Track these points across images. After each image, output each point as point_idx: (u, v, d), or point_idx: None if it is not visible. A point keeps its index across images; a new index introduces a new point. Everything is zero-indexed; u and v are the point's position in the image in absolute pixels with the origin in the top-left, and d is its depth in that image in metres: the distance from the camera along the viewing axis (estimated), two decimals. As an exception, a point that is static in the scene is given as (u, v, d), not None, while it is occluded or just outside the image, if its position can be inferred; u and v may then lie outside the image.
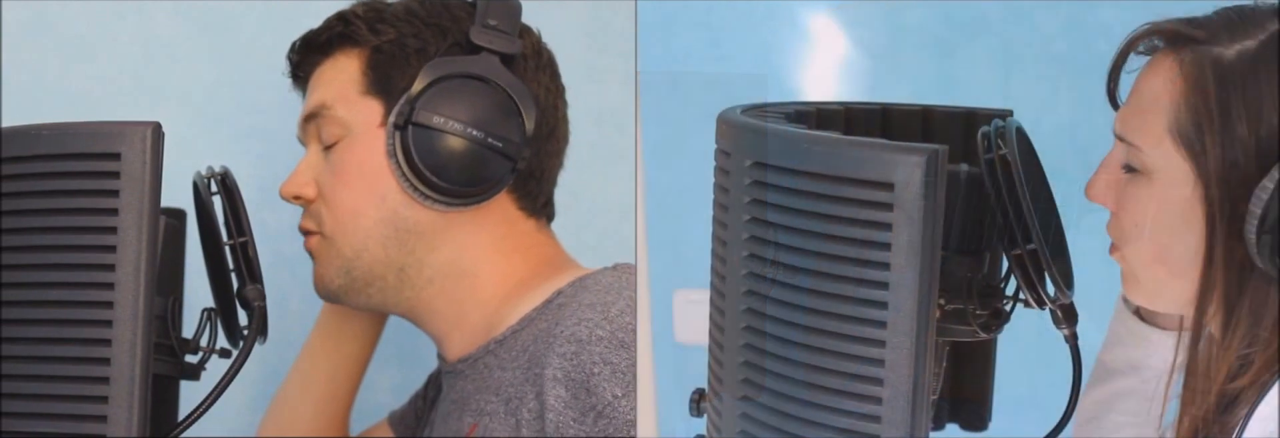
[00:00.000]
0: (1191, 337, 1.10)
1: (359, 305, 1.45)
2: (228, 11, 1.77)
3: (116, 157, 1.11)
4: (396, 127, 1.36)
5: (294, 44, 1.46)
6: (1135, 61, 1.13)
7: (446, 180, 1.36)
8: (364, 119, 1.40)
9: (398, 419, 1.63)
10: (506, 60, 1.39)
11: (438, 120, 1.35)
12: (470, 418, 1.37)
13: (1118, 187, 1.11)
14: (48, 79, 1.74)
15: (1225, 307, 1.06)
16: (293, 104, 1.69)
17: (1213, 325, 1.08)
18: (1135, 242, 1.10)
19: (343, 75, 1.42)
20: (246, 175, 1.35)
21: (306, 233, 1.44)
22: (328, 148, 1.42)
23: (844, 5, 1.89)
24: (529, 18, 1.47)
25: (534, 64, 1.43)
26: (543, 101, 1.42)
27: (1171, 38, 1.08)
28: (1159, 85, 1.07)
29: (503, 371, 1.35)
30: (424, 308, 1.43)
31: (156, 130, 1.12)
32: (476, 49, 1.39)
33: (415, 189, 1.37)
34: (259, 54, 1.78)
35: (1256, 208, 1.01)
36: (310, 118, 1.43)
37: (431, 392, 1.59)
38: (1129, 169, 1.10)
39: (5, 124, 1.17)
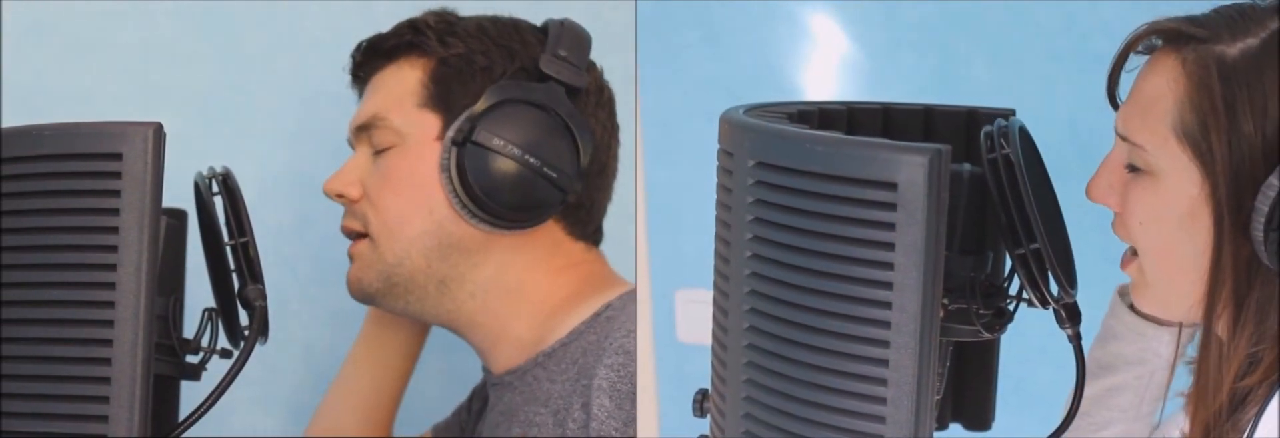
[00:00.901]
0: (1202, 337, 1.10)
1: (395, 311, 1.46)
2: (228, 11, 1.77)
3: (118, 157, 1.11)
4: (454, 143, 1.37)
5: (360, 45, 1.47)
6: (1134, 61, 1.13)
7: (496, 202, 1.37)
8: (420, 131, 1.40)
9: (442, 430, 1.63)
10: (571, 92, 1.40)
11: (497, 142, 1.36)
12: (519, 429, 1.38)
13: (1120, 186, 1.11)
14: (48, 79, 1.74)
15: (1233, 305, 1.06)
16: (293, 105, 1.70)
17: (1220, 324, 1.08)
18: (1142, 241, 1.10)
19: (402, 85, 1.42)
20: (248, 175, 1.35)
21: (352, 234, 1.45)
22: (378, 152, 1.42)
23: (844, 4, 1.89)
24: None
25: (595, 100, 1.44)
26: (598, 138, 1.43)
27: (1172, 36, 1.07)
28: (1162, 84, 1.07)
29: (551, 383, 1.36)
30: (465, 321, 1.44)
31: (158, 130, 1.12)
32: (543, 77, 1.40)
33: (464, 206, 1.38)
34: (259, 54, 1.78)
35: (1263, 205, 1.01)
36: (363, 127, 1.43)
37: (476, 404, 1.59)
38: (1132, 169, 1.10)
39: (5, 124, 1.16)
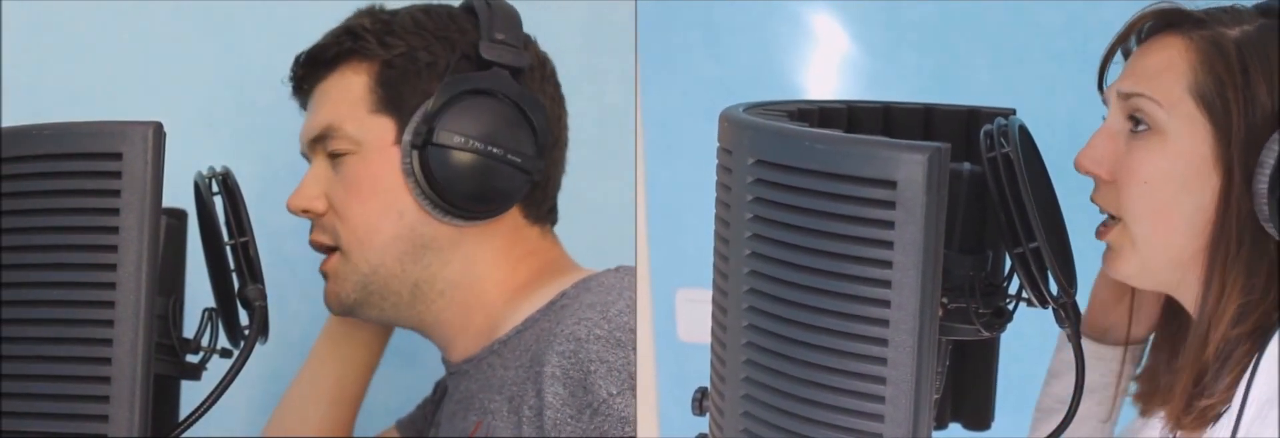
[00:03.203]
0: (1202, 288, 1.13)
1: (370, 318, 1.46)
2: (227, 11, 1.77)
3: (118, 156, 1.11)
4: (414, 146, 1.36)
5: (298, 58, 1.46)
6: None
7: (465, 197, 1.37)
8: (376, 137, 1.40)
9: (407, 425, 1.63)
10: (515, 73, 1.40)
11: (458, 139, 1.36)
12: (475, 416, 1.37)
13: (1111, 156, 1.15)
14: (48, 79, 1.74)
15: (1225, 258, 1.10)
16: (292, 104, 1.69)
17: (1214, 276, 1.12)
18: (1140, 202, 1.13)
19: (350, 93, 1.41)
20: (247, 175, 1.35)
21: (321, 248, 1.44)
22: (335, 161, 1.41)
23: (845, 4, 1.89)
24: (528, 17, 1.47)
25: (539, 75, 1.44)
26: (549, 112, 1.42)
27: (1177, 18, 1.14)
28: (1172, 55, 1.12)
29: (505, 370, 1.35)
30: (433, 320, 1.44)
31: (158, 130, 1.12)
32: (486, 63, 1.39)
33: (435, 206, 1.38)
34: (259, 54, 1.78)
35: (1268, 158, 1.06)
36: (318, 139, 1.42)
37: (438, 395, 1.59)
38: (1135, 126, 1.14)
39: (5, 124, 1.16)
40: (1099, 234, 1.17)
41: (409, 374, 1.76)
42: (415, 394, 1.68)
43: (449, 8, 1.45)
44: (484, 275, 1.42)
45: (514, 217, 1.44)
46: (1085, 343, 1.28)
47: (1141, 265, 1.16)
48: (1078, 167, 1.16)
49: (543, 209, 1.46)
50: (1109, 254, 1.17)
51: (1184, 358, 1.15)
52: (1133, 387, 1.29)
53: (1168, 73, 1.12)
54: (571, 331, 1.28)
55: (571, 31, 1.49)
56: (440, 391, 1.58)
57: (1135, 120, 1.14)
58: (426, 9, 1.44)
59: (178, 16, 1.77)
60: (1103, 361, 1.29)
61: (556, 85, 1.47)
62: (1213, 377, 1.12)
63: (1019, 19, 1.81)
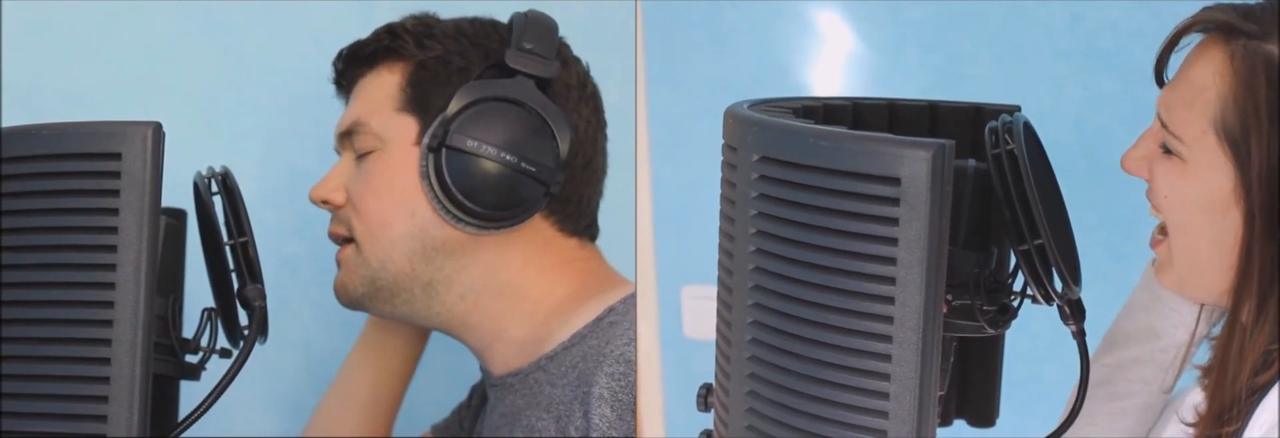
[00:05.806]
0: (1225, 330, 1.11)
1: (385, 314, 1.46)
2: (228, 11, 1.77)
3: (117, 156, 1.11)
4: (430, 148, 1.36)
5: (340, 53, 1.47)
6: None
7: (478, 203, 1.36)
8: (399, 135, 1.40)
9: (441, 430, 1.63)
10: (542, 84, 1.39)
11: (471, 144, 1.36)
12: (522, 434, 1.37)
13: (1152, 159, 1.12)
14: (48, 79, 1.74)
15: (1257, 300, 1.07)
16: (292, 104, 1.70)
17: (1245, 319, 1.09)
18: (1166, 215, 1.12)
19: (381, 90, 1.42)
20: (247, 175, 1.34)
21: (338, 239, 1.45)
22: (360, 157, 1.42)
23: (850, 2, 1.89)
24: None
25: (577, 95, 1.44)
26: (582, 133, 1.42)
27: (1224, 29, 1.08)
28: (1207, 75, 1.08)
29: (553, 387, 1.36)
30: (458, 322, 1.44)
31: (157, 130, 1.12)
32: (512, 72, 1.39)
33: (446, 210, 1.37)
34: (259, 54, 1.78)
35: None
36: (346, 134, 1.43)
37: (475, 401, 1.59)
38: (1165, 150, 1.11)
39: (5, 124, 1.16)
40: (1152, 243, 1.16)
41: (424, 381, 1.76)
42: (433, 399, 1.69)
43: (495, 21, 1.46)
44: (515, 285, 1.42)
45: (542, 228, 1.43)
46: (1168, 291, 1.25)
47: (1177, 282, 1.15)
48: (1123, 167, 1.14)
49: (580, 224, 1.46)
50: (1157, 264, 1.16)
51: (1209, 395, 1.14)
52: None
53: (1199, 99, 1.08)
54: (621, 352, 1.29)
55: (572, 32, 1.49)
56: (479, 397, 1.58)
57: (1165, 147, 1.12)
58: (473, 19, 1.45)
59: (178, 16, 1.76)
60: (1173, 308, 1.26)
61: (596, 109, 1.46)
62: (1237, 412, 1.10)
63: (1023, 16, 1.81)
